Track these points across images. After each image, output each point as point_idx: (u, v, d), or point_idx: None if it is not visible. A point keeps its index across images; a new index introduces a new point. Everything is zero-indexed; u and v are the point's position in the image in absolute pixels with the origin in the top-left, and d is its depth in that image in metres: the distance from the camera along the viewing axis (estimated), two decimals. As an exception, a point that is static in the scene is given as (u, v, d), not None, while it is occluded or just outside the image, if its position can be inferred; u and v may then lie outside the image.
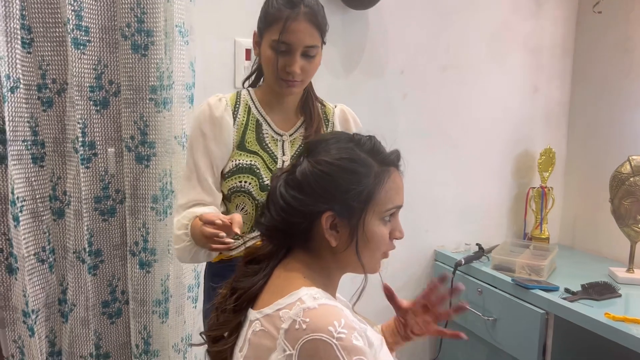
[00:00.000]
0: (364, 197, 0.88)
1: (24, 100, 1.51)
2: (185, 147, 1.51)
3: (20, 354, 1.60)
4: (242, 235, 1.27)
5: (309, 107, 1.36)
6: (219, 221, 1.08)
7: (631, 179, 1.89)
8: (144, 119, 1.60)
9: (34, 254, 1.57)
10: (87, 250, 1.60)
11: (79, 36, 1.52)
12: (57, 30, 1.54)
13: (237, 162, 1.29)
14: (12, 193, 1.46)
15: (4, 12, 1.43)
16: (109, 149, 1.64)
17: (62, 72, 1.57)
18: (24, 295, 1.52)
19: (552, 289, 1.78)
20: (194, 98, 1.69)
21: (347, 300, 0.99)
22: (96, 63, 1.58)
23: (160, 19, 1.55)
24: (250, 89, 1.37)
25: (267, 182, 1.27)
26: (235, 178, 1.28)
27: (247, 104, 1.33)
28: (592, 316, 1.58)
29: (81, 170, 1.57)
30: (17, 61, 1.47)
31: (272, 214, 0.91)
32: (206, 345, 0.97)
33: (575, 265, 2.12)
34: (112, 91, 1.62)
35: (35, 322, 1.54)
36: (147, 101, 1.59)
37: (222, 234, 1.06)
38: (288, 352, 0.78)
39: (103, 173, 1.63)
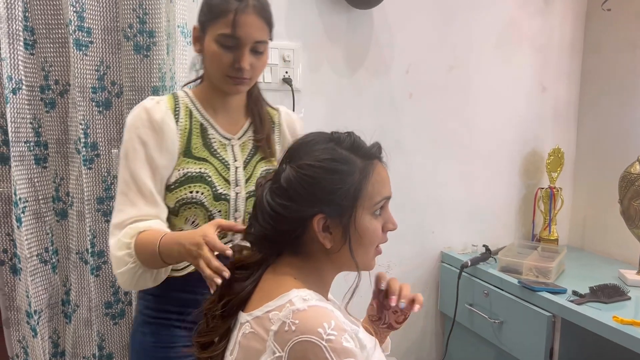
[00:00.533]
0: (351, 194, 0.87)
1: (26, 102, 1.52)
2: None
3: (24, 354, 1.61)
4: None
5: (257, 109, 1.27)
6: (240, 226, 0.97)
7: (641, 179, 1.85)
8: (146, 119, 1.59)
9: (37, 255, 1.58)
10: (90, 251, 1.60)
11: (81, 37, 1.52)
12: (60, 31, 1.55)
13: (185, 170, 1.16)
14: (15, 194, 1.48)
15: (7, 14, 1.44)
16: (112, 150, 1.65)
17: (64, 74, 1.57)
18: (27, 296, 1.53)
19: (559, 291, 1.75)
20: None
21: (339, 301, 0.98)
22: (98, 64, 1.58)
23: (163, 20, 1.55)
24: (187, 89, 1.25)
25: (221, 190, 1.17)
26: (184, 188, 1.15)
27: (187, 107, 1.20)
28: (600, 319, 1.55)
29: (83, 171, 1.57)
30: (20, 62, 1.48)
31: (261, 224, 0.90)
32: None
33: (584, 267, 2.08)
34: (114, 92, 1.62)
35: (37, 323, 1.55)
36: (149, 102, 1.59)
37: (227, 273, 0.89)
38: (277, 354, 0.77)
39: (105, 174, 1.63)
